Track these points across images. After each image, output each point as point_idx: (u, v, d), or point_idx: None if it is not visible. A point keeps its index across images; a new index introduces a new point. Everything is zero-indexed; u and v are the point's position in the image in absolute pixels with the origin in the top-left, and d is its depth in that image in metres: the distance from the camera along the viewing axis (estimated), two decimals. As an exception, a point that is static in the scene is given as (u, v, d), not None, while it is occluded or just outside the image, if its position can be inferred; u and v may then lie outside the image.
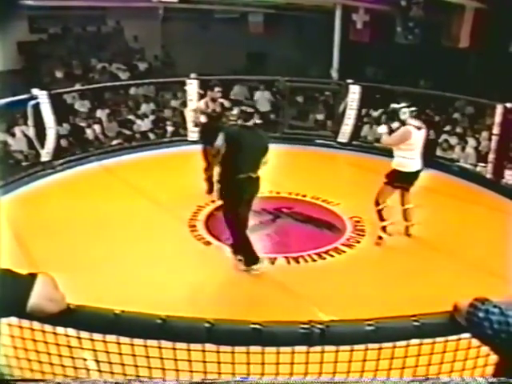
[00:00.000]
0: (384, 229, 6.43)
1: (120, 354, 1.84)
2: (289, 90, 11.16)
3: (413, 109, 6.19)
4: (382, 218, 6.40)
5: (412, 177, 6.31)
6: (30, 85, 9.32)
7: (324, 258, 6.13)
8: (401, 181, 6.32)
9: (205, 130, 7.54)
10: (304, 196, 7.84)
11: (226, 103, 7.68)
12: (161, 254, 6.08)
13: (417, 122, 6.18)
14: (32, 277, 1.58)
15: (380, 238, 6.42)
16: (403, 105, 6.25)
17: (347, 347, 1.77)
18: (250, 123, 5.62)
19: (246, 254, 5.68)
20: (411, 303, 4.04)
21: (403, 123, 6.08)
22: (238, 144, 5.35)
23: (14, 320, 1.69)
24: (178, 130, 10.79)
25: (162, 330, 1.70)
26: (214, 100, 7.48)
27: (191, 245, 6.38)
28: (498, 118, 8.57)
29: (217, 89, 7.61)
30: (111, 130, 10.68)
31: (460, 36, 10.85)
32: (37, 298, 1.55)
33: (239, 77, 12.56)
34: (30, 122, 8.87)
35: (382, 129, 6.38)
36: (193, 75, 10.34)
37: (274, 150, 8.97)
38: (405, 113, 6.12)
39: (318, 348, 1.76)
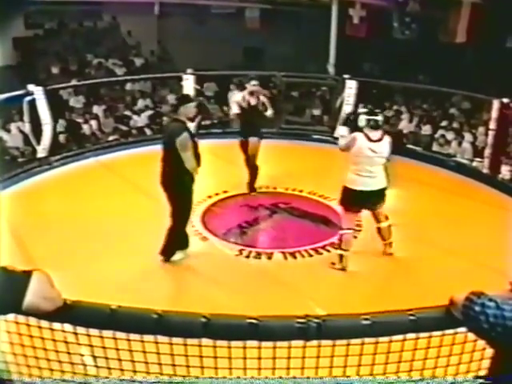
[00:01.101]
0: (341, 257, 5.71)
1: (117, 349, 1.84)
2: (285, 86, 11.14)
3: (376, 118, 5.39)
4: (339, 244, 5.73)
5: (369, 197, 5.47)
6: (26, 81, 9.29)
7: (321, 253, 6.14)
8: (356, 201, 5.50)
9: (242, 123, 7.71)
10: (301, 191, 7.84)
11: (263, 97, 7.64)
12: (157, 250, 6.07)
13: (377, 133, 5.37)
14: (27, 274, 1.58)
15: (333, 263, 5.77)
16: (363, 111, 5.71)
17: (344, 341, 1.78)
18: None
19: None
20: (407, 298, 4.06)
21: (361, 130, 5.39)
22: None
23: (10, 316, 1.69)
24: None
25: (158, 325, 1.70)
26: (251, 93, 7.47)
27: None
28: (494, 113, 8.58)
29: (253, 82, 7.58)
30: (107, 126, 10.65)
31: (457, 31, 10.86)
32: (32, 296, 1.55)
33: (236, 72, 12.53)
34: (26, 118, 8.84)
35: (342, 130, 5.93)
36: (189, 70, 10.32)
37: (271, 145, 9.00)
38: (361, 120, 5.39)
39: (314, 342, 1.76)
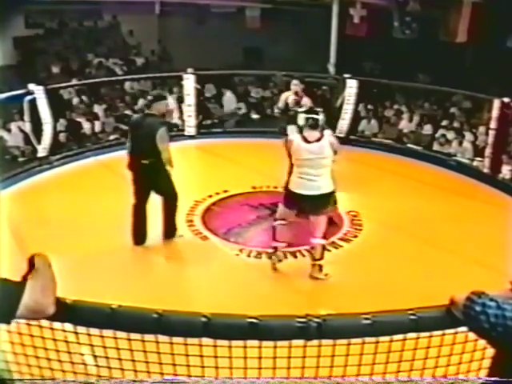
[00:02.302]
0: (275, 249, 5.59)
1: (117, 348, 1.84)
2: (286, 85, 11.13)
3: (314, 117, 5.07)
4: (274, 236, 5.59)
5: (308, 201, 5.12)
6: (26, 80, 9.29)
7: (321, 253, 6.13)
8: (294, 204, 5.24)
9: (287, 122, 7.50)
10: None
11: (306, 98, 7.45)
12: (158, 250, 6.08)
13: (315, 133, 5.03)
14: (20, 287, 1.58)
15: (272, 258, 5.65)
16: (303, 109, 5.49)
17: (344, 341, 1.78)
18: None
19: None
20: (408, 297, 4.05)
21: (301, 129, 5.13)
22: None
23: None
24: (175, 125, 10.78)
25: (158, 325, 1.70)
26: (296, 94, 7.41)
27: (188, 239, 6.37)
28: (495, 113, 8.58)
29: (295, 82, 7.56)
30: (108, 125, 10.65)
31: (457, 30, 10.84)
32: (23, 310, 1.55)
33: (236, 71, 12.54)
34: (27, 117, 8.84)
35: (290, 130, 5.69)
36: (189, 70, 10.32)
37: (272, 144, 8.98)
38: (300, 119, 5.13)
39: (315, 342, 1.76)
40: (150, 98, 6.71)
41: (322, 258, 5.38)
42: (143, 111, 6.36)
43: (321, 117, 5.08)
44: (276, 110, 7.81)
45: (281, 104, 7.57)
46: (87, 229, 6.40)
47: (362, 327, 1.73)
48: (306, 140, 5.01)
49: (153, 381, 1.89)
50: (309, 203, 5.12)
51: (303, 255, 6.05)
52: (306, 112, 5.21)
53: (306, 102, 7.38)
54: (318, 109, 5.29)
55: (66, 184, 8.12)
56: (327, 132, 5.22)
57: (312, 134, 5.02)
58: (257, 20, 14.58)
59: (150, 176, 5.81)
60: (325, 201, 5.14)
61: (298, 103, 7.30)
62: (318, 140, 5.01)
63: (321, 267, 5.38)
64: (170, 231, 6.20)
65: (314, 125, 5.02)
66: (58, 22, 13.77)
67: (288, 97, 7.47)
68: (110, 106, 11.08)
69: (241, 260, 5.94)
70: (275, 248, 5.58)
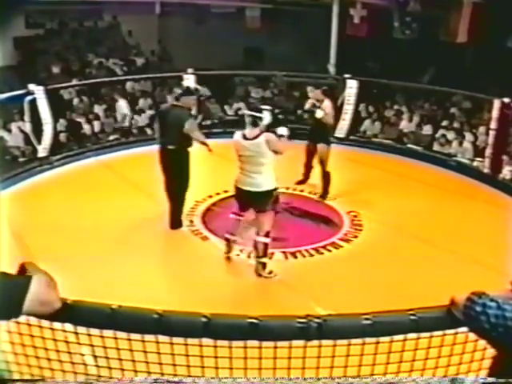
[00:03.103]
0: (228, 241, 5.74)
1: (117, 349, 1.84)
2: (286, 85, 11.15)
3: (254, 114, 5.15)
4: (231, 231, 5.75)
5: (247, 197, 5.28)
6: (27, 80, 9.29)
7: (321, 253, 6.14)
8: (238, 197, 5.43)
9: (311, 127, 7.75)
10: (301, 191, 7.84)
11: (327, 101, 7.41)
12: (158, 250, 6.08)
13: (254, 131, 5.11)
14: (26, 279, 1.59)
15: (228, 252, 5.79)
16: (250, 108, 5.68)
17: (344, 341, 1.77)
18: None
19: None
20: (408, 297, 4.05)
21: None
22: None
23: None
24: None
25: (158, 325, 1.70)
26: (318, 100, 7.36)
27: (188, 240, 6.37)
28: (495, 113, 8.58)
29: (309, 88, 7.71)
30: (108, 126, 10.65)
31: (458, 31, 10.84)
32: (30, 301, 1.55)
33: (236, 72, 12.54)
34: (27, 117, 8.84)
35: (281, 130, 5.77)
36: (190, 70, 10.32)
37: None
38: (245, 116, 5.28)
39: (315, 342, 1.76)
40: (179, 91, 7.55)
41: (264, 255, 5.45)
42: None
43: (264, 115, 5.13)
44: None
45: (306, 107, 7.68)
46: (87, 229, 6.40)
47: (362, 327, 1.73)
48: (244, 137, 5.14)
49: (153, 381, 1.89)
50: (248, 199, 5.29)
51: (303, 256, 6.05)
52: (250, 110, 5.41)
53: (327, 105, 7.33)
54: (266, 107, 5.37)
55: (66, 184, 8.12)
56: (283, 129, 5.35)
57: (251, 132, 5.12)
58: (257, 20, 14.57)
59: (174, 161, 6.20)
60: (262, 198, 5.21)
61: (314, 106, 7.37)
62: (255, 138, 5.08)
63: (264, 265, 5.46)
64: (176, 221, 6.49)
65: (253, 122, 5.12)
66: (59, 23, 13.76)
67: (314, 103, 7.45)
68: (110, 106, 11.08)
69: (241, 260, 5.94)
70: (227, 240, 5.75)
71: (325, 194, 7.54)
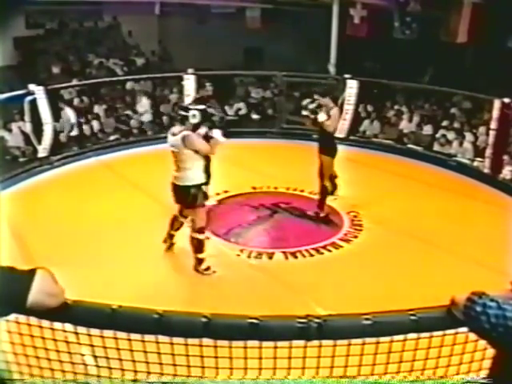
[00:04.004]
0: (170, 237, 5.91)
1: (117, 349, 1.84)
2: (286, 85, 11.15)
3: (181, 112, 5.43)
4: (171, 225, 5.89)
5: (175, 191, 5.45)
6: (27, 80, 9.29)
7: (322, 253, 6.14)
8: (172, 192, 5.53)
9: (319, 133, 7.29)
10: (302, 191, 7.84)
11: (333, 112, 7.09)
12: (158, 250, 6.08)
13: (179, 128, 5.35)
14: (31, 272, 1.58)
15: (169, 243, 5.94)
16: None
17: (344, 341, 1.77)
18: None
19: None
20: (409, 297, 4.06)
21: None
22: None
23: (11, 316, 1.69)
24: (175, 125, 10.76)
25: (159, 325, 1.70)
26: (320, 106, 7.02)
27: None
28: (495, 113, 8.58)
29: (315, 96, 7.29)
30: (108, 126, 10.65)
31: (458, 31, 10.83)
32: (36, 293, 1.55)
33: (236, 72, 12.54)
34: (27, 117, 8.84)
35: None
36: (190, 70, 10.32)
37: (272, 144, 8.99)
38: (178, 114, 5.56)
39: (315, 342, 1.76)
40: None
41: (200, 251, 5.53)
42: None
43: (190, 113, 5.29)
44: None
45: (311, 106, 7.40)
46: (87, 229, 6.40)
47: (362, 327, 1.73)
48: (172, 133, 5.35)
49: (153, 381, 1.89)
50: (176, 193, 5.43)
51: (303, 256, 6.05)
52: (179, 108, 5.64)
53: (335, 113, 6.93)
54: (197, 107, 5.44)
55: (66, 184, 8.13)
56: (216, 132, 5.41)
57: (178, 129, 5.33)
58: (257, 20, 14.56)
59: None
60: (187, 193, 5.34)
61: (319, 107, 7.04)
62: (177, 135, 5.28)
63: (200, 261, 5.55)
64: None
65: (181, 120, 5.36)
66: (59, 23, 13.76)
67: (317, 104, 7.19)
68: (110, 106, 11.08)
69: (241, 260, 5.94)
70: (169, 234, 5.90)
71: (320, 207, 7.09)
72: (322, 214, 7.03)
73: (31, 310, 1.60)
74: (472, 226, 6.70)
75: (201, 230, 5.48)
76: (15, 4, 10.88)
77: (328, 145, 6.90)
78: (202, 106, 5.43)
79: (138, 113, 10.99)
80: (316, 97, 7.23)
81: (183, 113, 5.35)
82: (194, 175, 5.33)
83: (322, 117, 6.78)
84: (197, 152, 5.24)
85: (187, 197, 5.36)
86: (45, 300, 1.59)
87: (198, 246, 5.52)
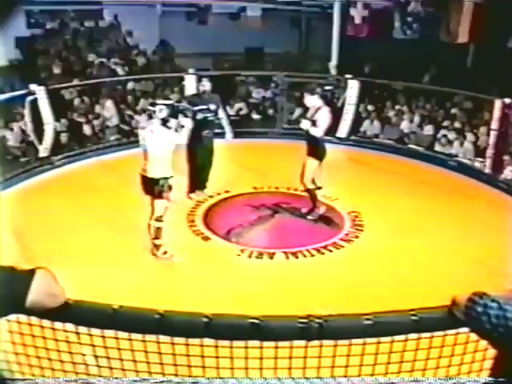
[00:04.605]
0: (156, 246, 5.91)
1: (118, 349, 1.84)
2: (287, 85, 11.15)
3: (151, 108, 5.85)
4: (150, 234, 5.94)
5: (146, 182, 5.74)
6: (28, 80, 9.29)
7: (323, 253, 6.14)
8: (141, 183, 5.81)
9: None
10: (302, 191, 7.83)
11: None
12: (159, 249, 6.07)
13: (148, 122, 5.78)
14: (31, 272, 1.58)
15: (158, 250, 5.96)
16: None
17: (345, 341, 1.77)
18: None
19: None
20: (409, 297, 4.06)
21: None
22: None
23: (11, 315, 1.69)
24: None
25: (160, 325, 1.70)
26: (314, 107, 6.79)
27: (190, 240, 6.38)
28: (496, 113, 8.58)
29: (305, 94, 7.06)
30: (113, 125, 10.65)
31: (459, 31, 10.83)
32: (36, 292, 1.54)
33: (237, 72, 12.53)
34: (28, 117, 8.84)
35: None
36: (191, 70, 10.32)
37: (273, 145, 8.98)
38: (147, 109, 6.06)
39: (316, 342, 1.76)
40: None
41: (157, 237, 5.84)
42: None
43: (157, 108, 5.64)
44: None
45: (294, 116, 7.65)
46: (88, 229, 6.40)
47: (363, 327, 1.73)
48: (141, 128, 5.81)
49: (153, 381, 1.89)
50: (144, 185, 5.74)
51: (304, 256, 6.06)
52: (149, 104, 6.08)
53: (323, 114, 6.62)
54: (165, 102, 5.95)
55: (67, 184, 8.12)
56: (181, 122, 5.96)
57: (146, 123, 5.92)
58: (258, 20, 14.57)
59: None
60: (152, 184, 5.64)
61: (302, 116, 7.01)
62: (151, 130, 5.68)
63: (157, 246, 5.86)
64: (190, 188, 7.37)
65: (149, 115, 5.89)
66: (59, 22, 13.76)
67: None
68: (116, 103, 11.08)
69: (242, 260, 5.95)
70: (156, 245, 6.02)
71: (311, 209, 6.97)
72: (317, 211, 6.93)
73: (31, 309, 1.59)
74: (472, 226, 6.70)
75: (158, 219, 5.78)
76: (15, 4, 10.88)
77: (314, 146, 6.71)
78: (169, 102, 5.93)
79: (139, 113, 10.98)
80: (305, 94, 6.82)
81: (151, 108, 5.79)
82: (161, 167, 5.63)
83: (305, 124, 6.57)
84: (163, 145, 5.56)
85: (153, 187, 5.65)
86: (44, 300, 1.58)
87: (156, 232, 5.81)
